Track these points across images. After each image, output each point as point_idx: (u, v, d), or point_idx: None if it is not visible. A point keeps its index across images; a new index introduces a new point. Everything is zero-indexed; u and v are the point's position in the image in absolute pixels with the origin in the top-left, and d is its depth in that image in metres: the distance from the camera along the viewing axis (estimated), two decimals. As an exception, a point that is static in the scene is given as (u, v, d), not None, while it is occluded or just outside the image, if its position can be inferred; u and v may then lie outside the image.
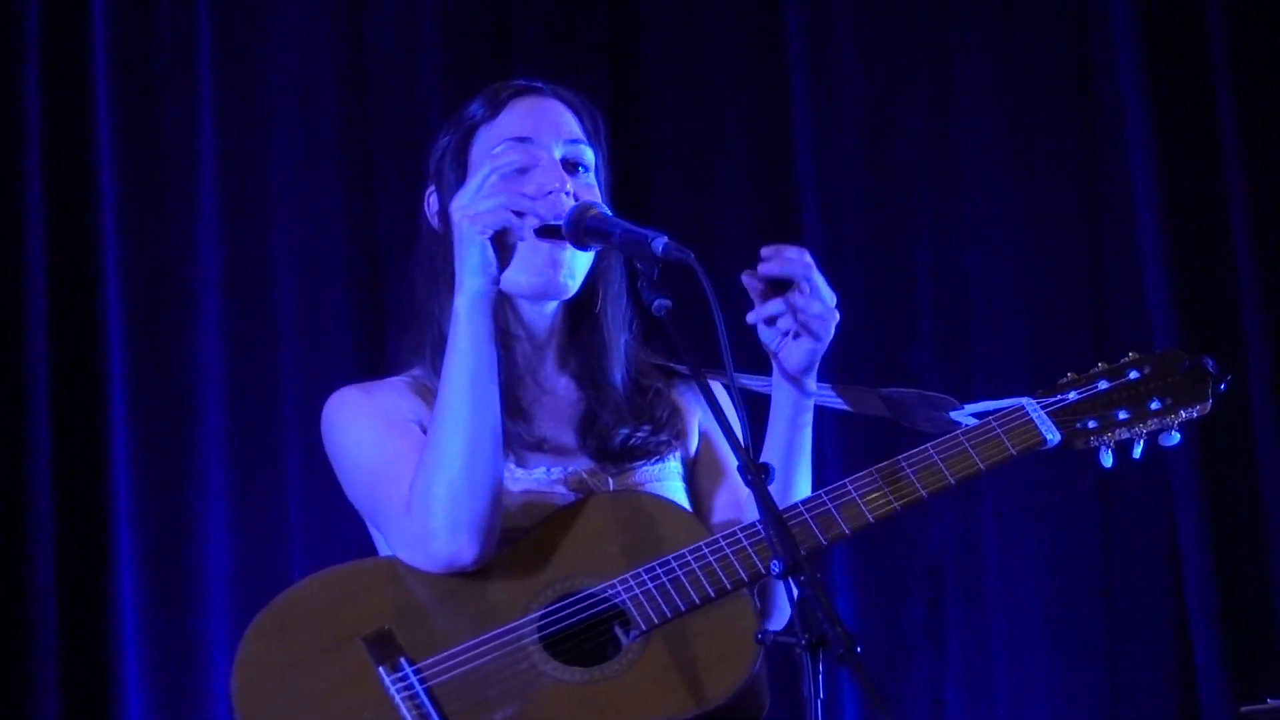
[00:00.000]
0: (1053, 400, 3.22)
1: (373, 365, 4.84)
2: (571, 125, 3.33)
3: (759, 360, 3.24)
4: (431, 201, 3.37)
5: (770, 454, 3.23)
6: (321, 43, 5.20)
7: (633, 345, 3.37)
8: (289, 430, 5.01)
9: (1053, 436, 3.19)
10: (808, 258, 3.15)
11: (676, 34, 5.41)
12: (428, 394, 3.24)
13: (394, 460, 3.18)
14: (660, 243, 3.01)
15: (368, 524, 3.31)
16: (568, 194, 3.23)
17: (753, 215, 5.37)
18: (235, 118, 5.11)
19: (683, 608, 3.07)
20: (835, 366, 5.19)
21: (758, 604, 3.18)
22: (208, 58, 5.10)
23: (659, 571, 3.08)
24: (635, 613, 3.06)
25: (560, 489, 3.23)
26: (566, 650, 3.07)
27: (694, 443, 3.37)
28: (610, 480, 3.25)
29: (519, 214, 3.09)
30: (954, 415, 3.26)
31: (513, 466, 3.21)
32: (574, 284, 3.27)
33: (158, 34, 5.11)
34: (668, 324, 2.97)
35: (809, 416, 3.24)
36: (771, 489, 2.97)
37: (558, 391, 3.34)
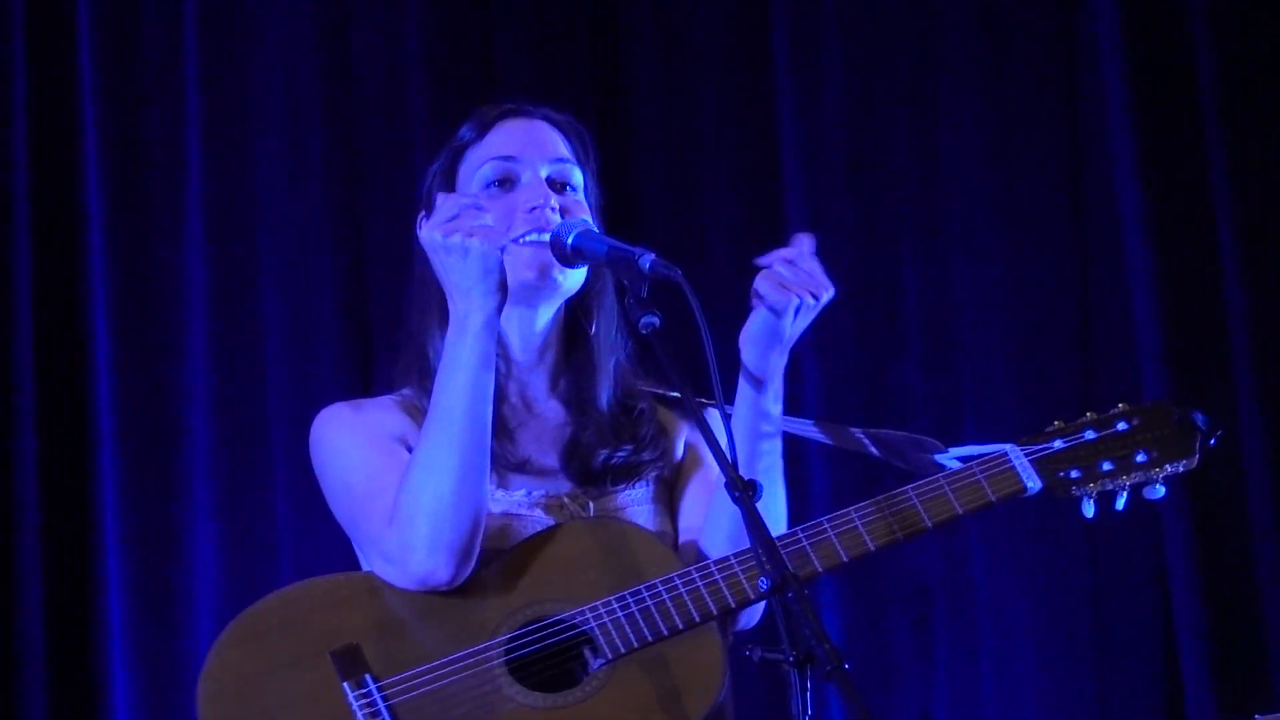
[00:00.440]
0: (1037, 448, 3.22)
1: (359, 382, 4.86)
2: (559, 145, 3.34)
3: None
4: (423, 225, 3.37)
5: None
6: (307, 59, 5.20)
7: (624, 368, 3.37)
8: (276, 447, 5.00)
9: (1034, 484, 3.20)
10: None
11: (661, 45, 5.42)
12: (417, 413, 3.25)
13: (378, 476, 3.18)
14: (648, 259, 3.01)
15: (350, 539, 3.31)
16: (553, 209, 3.24)
17: (738, 229, 5.37)
18: (221, 133, 5.11)
19: (650, 638, 3.07)
20: (822, 376, 5.24)
21: (730, 635, 3.20)
22: (194, 73, 5.10)
23: (629, 600, 3.08)
24: (603, 640, 3.07)
25: (539, 512, 3.23)
26: (533, 675, 3.07)
27: (680, 460, 3.36)
28: (590, 504, 3.25)
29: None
30: (939, 458, 3.26)
31: (494, 487, 3.21)
32: (564, 281, 3.26)
33: (144, 49, 5.12)
34: (655, 342, 2.97)
35: (770, 429, 3.20)
36: (724, 529, 3.08)
37: (545, 414, 3.34)
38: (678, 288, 2.97)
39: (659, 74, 5.43)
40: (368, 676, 3.05)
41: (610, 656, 3.06)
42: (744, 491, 2.84)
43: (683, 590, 3.09)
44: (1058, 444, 3.22)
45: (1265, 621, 5.05)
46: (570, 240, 3.15)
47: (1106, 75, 5.24)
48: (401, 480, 3.11)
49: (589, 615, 3.08)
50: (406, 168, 5.01)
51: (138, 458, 4.97)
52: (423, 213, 3.35)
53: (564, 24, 5.37)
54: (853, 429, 3.37)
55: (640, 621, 3.07)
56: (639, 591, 3.08)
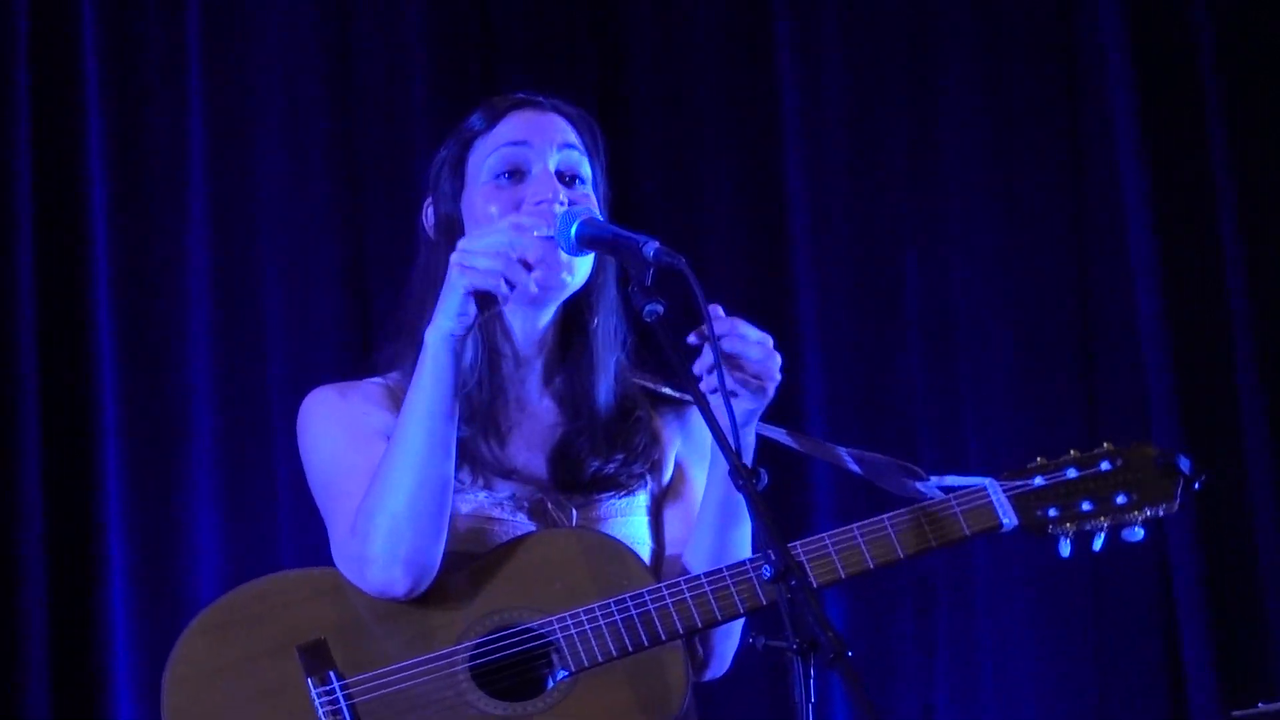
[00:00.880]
0: (1017, 484, 3.17)
1: (361, 375, 4.84)
2: (569, 136, 3.32)
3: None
4: (429, 213, 3.36)
5: (704, 513, 3.20)
6: (308, 58, 5.21)
7: (624, 365, 3.35)
8: (278, 441, 5.00)
9: (1009, 521, 3.16)
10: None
11: (661, 45, 5.42)
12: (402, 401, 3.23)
13: (350, 473, 3.18)
14: (652, 247, 3.00)
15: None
16: (561, 204, 3.22)
17: (738, 229, 5.38)
18: (223, 128, 5.12)
19: (614, 653, 3.06)
20: (823, 375, 5.25)
21: (700, 651, 3.20)
22: (196, 68, 5.11)
23: (598, 614, 3.07)
24: (567, 652, 3.06)
25: (521, 516, 3.21)
26: (496, 682, 3.07)
27: (668, 474, 3.35)
28: (575, 511, 3.24)
29: (510, 285, 3.06)
30: (920, 486, 3.22)
31: (478, 489, 3.20)
32: (572, 281, 3.25)
33: (146, 48, 5.12)
34: (659, 330, 2.95)
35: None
36: (704, 551, 3.07)
37: (538, 414, 3.31)
38: (681, 276, 2.95)
39: (659, 74, 5.43)
40: (332, 674, 3.06)
41: (573, 669, 3.06)
42: (747, 479, 2.82)
43: (651, 608, 3.08)
44: (1038, 480, 3.17)
45: (1267, 607, 5.06)
46: (575, 228, 3.14)
47: (1108, 75, 5.25)
48: (365, 491, 3.11)
49: (556, 626, 3.07)
50: (406, 167, 5.01)
51: (141, 452, 4.98)
52: (430, 198, 3.35)
53: (564, 24, 5.38)
54: (838, 447, 3.34)
55: (607, 636, 3.06)
56: (608, 605, 3.07)
